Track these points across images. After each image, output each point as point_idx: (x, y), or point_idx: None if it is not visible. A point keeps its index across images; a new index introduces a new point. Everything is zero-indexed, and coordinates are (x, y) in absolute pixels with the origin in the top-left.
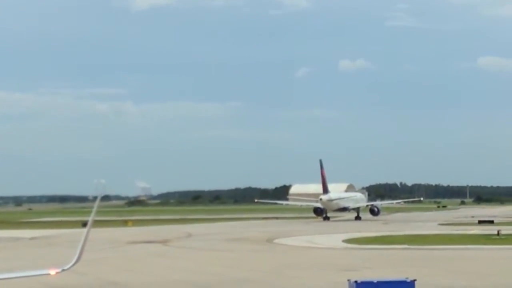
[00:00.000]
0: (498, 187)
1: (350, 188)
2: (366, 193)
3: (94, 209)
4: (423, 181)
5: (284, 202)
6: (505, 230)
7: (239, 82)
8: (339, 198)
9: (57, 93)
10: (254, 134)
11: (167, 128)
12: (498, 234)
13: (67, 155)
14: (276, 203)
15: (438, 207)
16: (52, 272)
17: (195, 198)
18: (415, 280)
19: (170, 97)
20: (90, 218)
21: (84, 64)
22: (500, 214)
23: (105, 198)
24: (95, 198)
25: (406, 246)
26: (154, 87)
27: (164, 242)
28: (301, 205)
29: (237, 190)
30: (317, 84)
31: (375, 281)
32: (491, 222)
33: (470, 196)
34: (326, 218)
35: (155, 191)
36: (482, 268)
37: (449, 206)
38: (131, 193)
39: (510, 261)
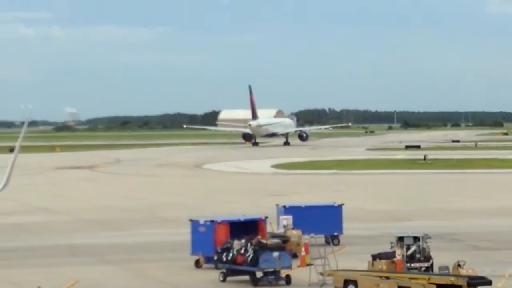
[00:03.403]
0: (425, 112)
1: (279, 113)
2: (295, 119)
3: (22, 135)
4: (351, 106)
5: (213, 128)
6: (432, 154)
7: (167, 6)
8: (268, 124)
9: None
10: (183, 59)
11: (94, 53)
12: (424, 158)
13: None
14: (205, 129)
15: (366, 132)
16: None
17: (123, 124)
18: (342, 204)
19: (97, 22)
20: (17, 144)
21: None
22: (427, 139)
23: (33, 123)
24: (22, 123)
25: (334, 171)
26: (80, 10)
27: (92, 167)
28: (230, 131)
29: (166, 116)
30: (244, 9)
31: (303, 206)
32: (418, 147)
33: (398, 122)
34: (255, 144)
35: (83, 117)
36: (408, 192)
37: (376, 132)
38: (59, 118)
39: (436, 185)
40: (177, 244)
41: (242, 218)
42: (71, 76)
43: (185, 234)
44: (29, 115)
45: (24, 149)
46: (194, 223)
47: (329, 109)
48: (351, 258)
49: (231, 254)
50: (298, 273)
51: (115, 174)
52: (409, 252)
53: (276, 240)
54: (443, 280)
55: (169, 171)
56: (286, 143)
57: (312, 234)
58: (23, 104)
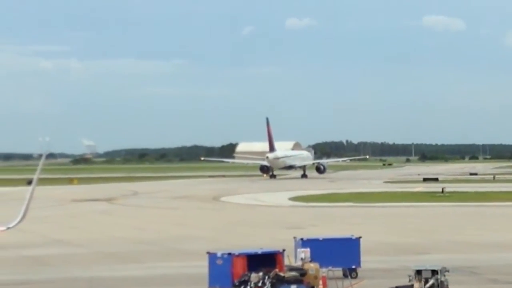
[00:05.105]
0: (442, 145)
1: (296, 146)
2: (313, 151)
3: (39, 167)
4: (369, 139)
5: (231, 160)
6: (449, 187)
7: (184, 39)
8: (286, 156)
9: (0, 49)
10: (200, 92)
11: (113, 85)
12: (442, 191)
13: (11, 112)
14: (222, 161)
15: (384, 164)
16: None
17: (141, 156)
18: (360, 237)
19: (114, 54)
20: (35, 176)
21: (27, 21)
22: (445, 172)
23: (50, 156)
24: (40, 156)
25: (351, 203)
26: (98, 44)
27: (109, 200)
28: (247, 163)
29: (183, 148)
30: (263, 42)
31: (321, 239)
32: (436, 179)
33: (415, 154)
34: (273, 176)
35: (101, 149)
36: (426, 225)
37: (394, 164)
38: (77, 151)
39: (454, 218)
40: (194, 277)
41: (259, 251)
42: (89, 108)
43: (202, 266)
44: (47, 147)
45: (42, 181)
46: (212, 256)
47: (347, 141)
48: None
49: (248, 287)
50: None
51: (133, 206)
52: (428, 285)
53: (293, 273)
54: None
55: (187, 204)
56: (304, 176)
57: (330, 267)
58: (41, 136)
